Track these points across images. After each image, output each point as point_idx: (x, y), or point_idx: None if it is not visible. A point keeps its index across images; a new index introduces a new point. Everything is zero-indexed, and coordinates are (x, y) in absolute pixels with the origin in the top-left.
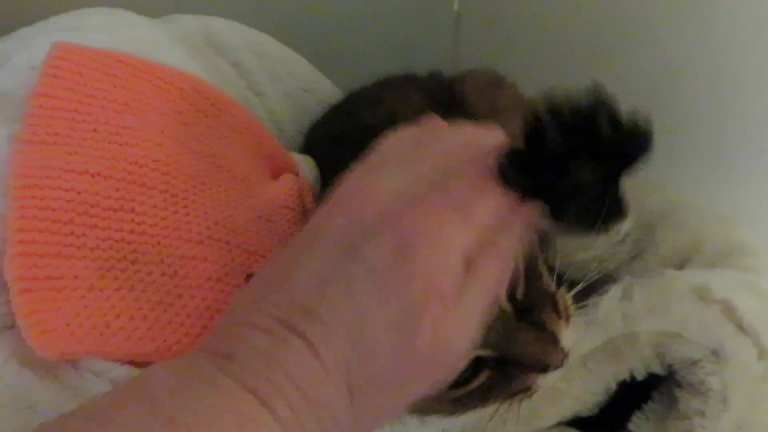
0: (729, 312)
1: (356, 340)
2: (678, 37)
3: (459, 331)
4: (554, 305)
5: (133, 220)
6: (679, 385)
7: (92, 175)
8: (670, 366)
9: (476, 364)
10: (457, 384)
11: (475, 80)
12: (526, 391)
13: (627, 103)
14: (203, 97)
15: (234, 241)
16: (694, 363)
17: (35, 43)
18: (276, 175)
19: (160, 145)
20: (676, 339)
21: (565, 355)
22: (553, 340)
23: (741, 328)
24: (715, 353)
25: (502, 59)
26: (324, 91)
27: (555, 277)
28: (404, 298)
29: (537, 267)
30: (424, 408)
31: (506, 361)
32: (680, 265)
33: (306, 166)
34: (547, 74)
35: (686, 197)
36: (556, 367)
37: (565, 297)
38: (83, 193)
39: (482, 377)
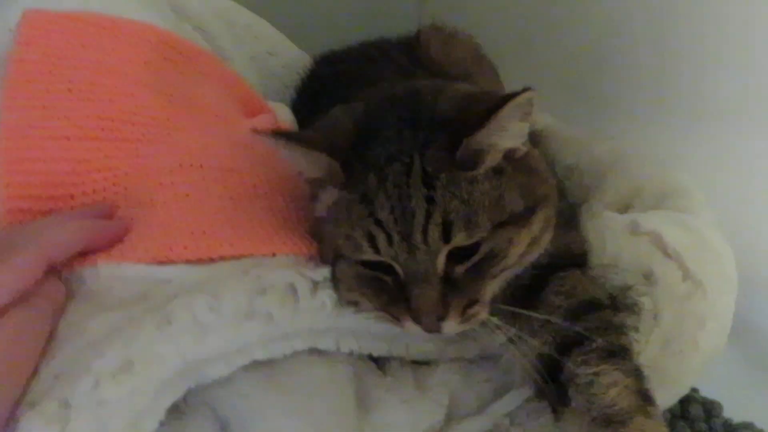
0: (657, 241)
1: None
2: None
3: None
4: (468, 306)
5: (106, 179)
6: (618, 309)
7: (68, 139)
8: (610, 295)
9: (391, 269)
10: (367, 264)
11: (432, 36)
12: (396, 320)
13: (576, 61)
14: (171, 47)
15: (207, 164)
16: (629, 288)
17: (11, 7)
18: (252, 116)
19: (131, 96)
20: (612, 269)
21: (437, 330)
22: (440, 317)
23: (667, 254)
24: (646, 277)
25: (464, 22)
26: (289, 54)
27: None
28: None
29: (493, 270)
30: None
31: (404, 289)
32: (623, 209)
33: (282, 111)
34: (505, 31)
35: (630, 146)
36: (422, 329)
37: (482, 312)
38: (61, 161)
39: (387, 279)
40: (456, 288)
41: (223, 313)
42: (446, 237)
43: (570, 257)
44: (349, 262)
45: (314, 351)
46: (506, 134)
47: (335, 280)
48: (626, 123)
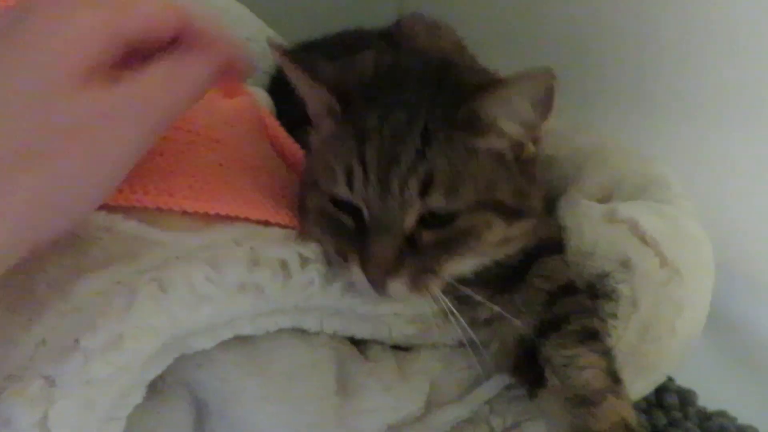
0: (634, 228)
1: None
2: None
3: (97, 113)
4: (422, 273)
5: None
6: (596, 296)
7: None
8: (589, 282)
9: (355, 211)
10: (337, 201)
11: (417, 25)
12: (344, 259)
13: (557, 53)
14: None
15: (195, 130)
16: (606, 275)
17: None
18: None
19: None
20: (590, 257)
21: (381, 287)
22: (388, 273)
23: (644, 241)
24: (624, 264)
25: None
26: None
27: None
28: (34, 65)
29: (460, 250)
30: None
31: (365, 235)
32: (603, 200)
33: (260, 95)
34: (486, 24)
35: (610, 137)
36: (367, 279)
37: (435, 286)
38: None
39: (349, 221)
40: (417, 253)
41: (222, 284)
42: (423, 192)
43: (550, 244)
44: (321, 194)
45: (296, 333)
46: (513, 113)
47: (304, 211)
48: (607, 115)
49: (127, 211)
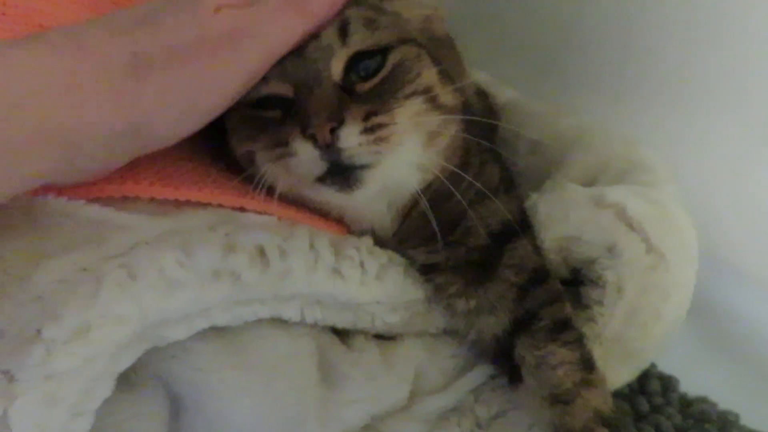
0: (620, 214)
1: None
2: None
3: (250, 19)
4: (373, 114)
5: None
6: (582, 283)
7: None
8: (574, 269)
9: (277, 102)
10: (257, 104)
11: None
12: (284, 145)
13: (541, 36)
14: None
15: None
16: (592, 261)
17: None
18: None
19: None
20: (576, 242)
21: (332, 145)
22: (333, 118)
23: (631, 226)
24: (610, 250)
25: None
26: None
27: None
28: None
29: (404, 88)
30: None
31: (293, 109)
32: (588, 184)
33: None
34: (469, 5)
35: (595, 121)
36: (316, 144)
37: (395, 133)
38: None
39: (273, 113)
40: (356, 100)
41: (194, 269)
42: (343, 35)
43: (515, 225)
44: (239, 108)
45: (275, 323)
46: None
47: (228, 138)
48: (591, 99)
49: (90, 199)
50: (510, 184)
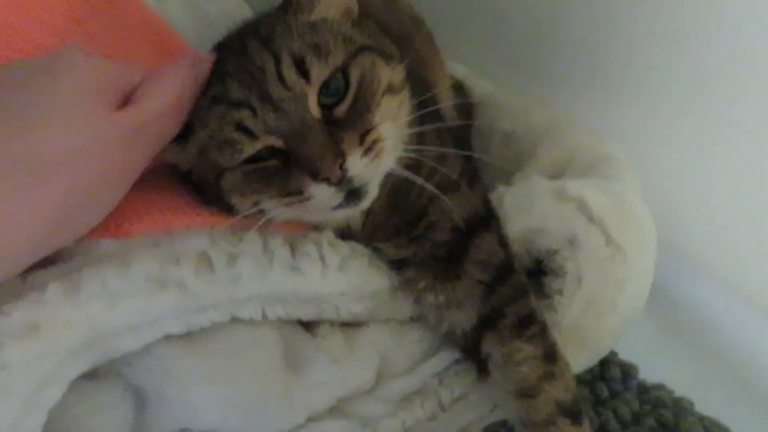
0: (581, 207)
1: None
2: None
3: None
4: (365, 134)
5: None
6: (544, 273)
7: None
8: (537, 259)
9: (271, 151)
10: (252, 159)
11: (376, 2)
12: (298, 194)
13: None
14: None
15: None
16: (554, 252)
17: None
18: None
19: (42, 46)
20: (539, 233)
21: (344, 177)
22: (338, 155)
23: (591, 219)
24: (571, 242)
25: None
26: (227, 1)
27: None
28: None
29: (375, 98)
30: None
31: (292, 157)
32: (556, 176)
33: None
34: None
35: (565, 114)
36: (330, 182)
37: (381, 135)
38: None
39: (272, 162)
40: (343, 126)
41: (133, 280)
42: (304, 73)
43: (479, 218)
44: (232, 171)
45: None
46: None
47: (226, 197)
48: (561, 92)
49: None
50: (474, 177)
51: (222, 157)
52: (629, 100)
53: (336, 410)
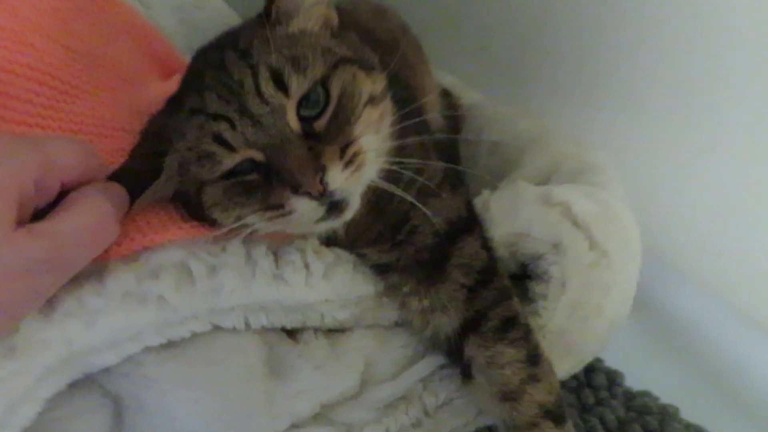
0: (567, 212)
1: None
2: None
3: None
4: (345, 147)
5: None
6: (530, 277)
7: None
8: (522, 264)
9: (251, 165)
10: (232, 173)
11: (360, 5)
12: (279, 207)
13: (502, 43)
14: None
15: (97, 141)
16: (539, 257)
17: None
18: (167, 77)
19: (30, 45)
20: (525, 238)
21: (325, 191)
22: (318, 169)
23: (576, 224)
24: (556, 246)
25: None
26: (215, 8)
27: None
28: None
29: (355, 110)
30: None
31: (273, 171)
32: (543, 184)
33: None
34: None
35: (551, 123)
36: (311, 196)
37: (362, 148)
38: None
39: (252, 176)
40: (324, 140)
41: (109, 296)
42: (282, 87)
43: (462, 223)
44: (212, 184)
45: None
46: None
47: (208, 212)
48: (547, 102)
49: None
50: (457, 182)
51: (201, 170)
52: (614, 110)
53: (320, 417)
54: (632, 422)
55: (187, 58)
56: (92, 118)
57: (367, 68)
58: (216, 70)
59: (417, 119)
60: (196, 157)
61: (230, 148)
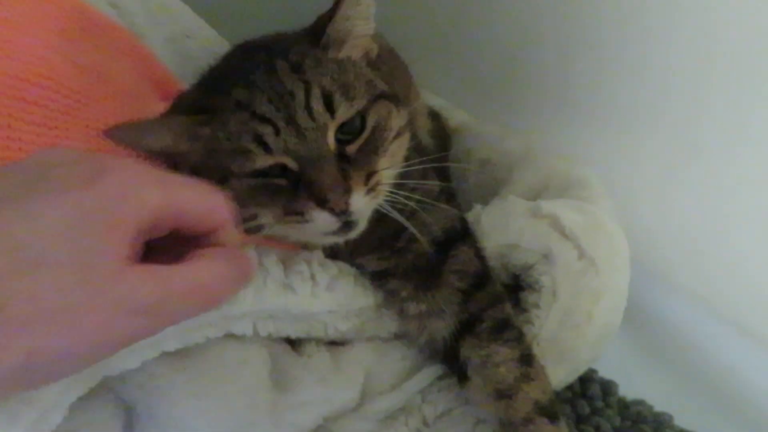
0: (555, 223)
1: None
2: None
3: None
4: (370, 175)
5: (8, 137)
6: (522, 288)
7: None
8: (513, 274)
9: (281, 170)
10: (261, 173)
11: None
12: (299, 215)
13: (487, 63)
14: (86, 17)
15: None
16: (530, 267)
17: None
18: (166, 99)
19: (42, 58)
20: (515, 249)
21: (347, 210)
22: (345, 190)
23: (564, 235)
24: (546, 256)
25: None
26: (207, 37)
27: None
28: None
29: (385, 143)
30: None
31: (301, 180)
32: (532, 199)
33: None
34: (419, 34)
35: (538, 141)
36: (333, 212)
37: (382, 178)
38: None
39: (281, 181)
40: (353, 164)
41: None
42: (330, 109)
43: (456, 233)
44: (239, 178)
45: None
46: (357, 22)
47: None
48: (533, 120)
49: None
50: (450, 196)
51: (233, 162)
52: (598, 126)
53: (322, 429)
54: (628, 430)
55: (182, 86)
56: (101, 123)
57: (397, 102)
58: (267, 74)
59: (414, 142)
60: (230, 148)
61: (268, 151)
